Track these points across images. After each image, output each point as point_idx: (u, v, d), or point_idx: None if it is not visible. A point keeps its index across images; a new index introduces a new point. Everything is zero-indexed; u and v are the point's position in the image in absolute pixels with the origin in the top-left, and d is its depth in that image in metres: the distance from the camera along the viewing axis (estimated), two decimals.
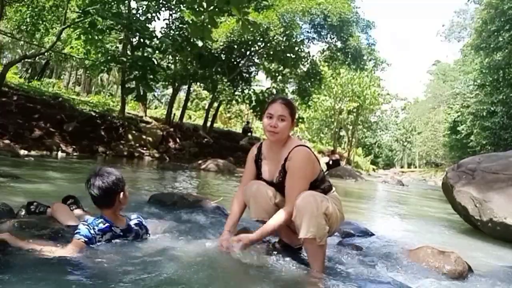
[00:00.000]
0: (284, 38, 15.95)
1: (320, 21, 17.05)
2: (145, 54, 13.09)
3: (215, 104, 20.25)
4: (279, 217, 2.10)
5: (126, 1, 13.06)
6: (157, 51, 13.98)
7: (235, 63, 18.27)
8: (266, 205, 2.23)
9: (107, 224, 2.06)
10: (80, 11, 11.64)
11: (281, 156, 2.22)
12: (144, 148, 13.65)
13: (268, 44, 16.59)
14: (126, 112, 15.27)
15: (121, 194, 2.12)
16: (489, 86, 23.28)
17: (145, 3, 13.56)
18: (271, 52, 17.03)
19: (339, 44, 18.30)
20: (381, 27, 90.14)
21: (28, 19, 13.90)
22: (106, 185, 2.06)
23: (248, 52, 17.86)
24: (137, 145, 13.61)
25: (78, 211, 2.79)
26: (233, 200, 2.43)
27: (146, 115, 17.77)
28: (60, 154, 10.00)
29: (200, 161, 11.49)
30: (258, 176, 2.36)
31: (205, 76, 16.44)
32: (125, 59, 12.33)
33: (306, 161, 2.16)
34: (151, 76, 12.54)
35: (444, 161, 38.98)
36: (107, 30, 13.00)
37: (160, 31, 14.53)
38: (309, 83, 18.87)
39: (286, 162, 2.17)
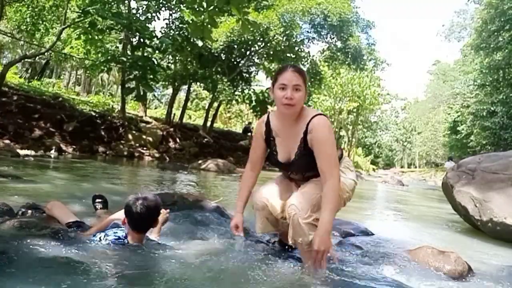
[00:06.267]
0: (284, 38, 15.97)
1: (320, 21, 17.05)
2: (145, 54, 13.09)
3: (215, 104, 20.25)
4: (330, 198, 1.92)
5: (126, 1, 13.07)
6: (157, 51, 13.97)
7: (235, 63, 18.28)
8: (273, 221, 2.21)
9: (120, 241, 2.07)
10: (80, 11, 11.63)
11: (298, 130, 2.06)
12: (144, 148, 13.65)
13: (268, 44, 16.60)
14: (126, 112, 15.27)
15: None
16: (489, 86, 23.26)
17: (145, 3, 13.56)
18: (271, 52, 17.04)
19: (339, 44, 18.30)
20: (381, 27, 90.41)
21: (28, 19, 13.90)
22: (149, 208, 2.06)
23: (248, 52, 17.86)
24: (137, 145, 13.61)
25: (100, 212, 2.84)
26: (241, 181, 2.35)
27: (146, 115, 17.78)
28: (54, 153, 9.94)
29: (200, 161, 11.48)
30: (271, 156, 2.19)
31: (205, 76, 16.45)
32: (125, 59, 12.32)
33: (330, 129, 2.07)
34: (151, 76, 12.54)
35: (444, 161, 38.95)
36: (107, 30, 13.00)
37: (160, 31, 14.54)
38: (309, 83, 18.87)
39: (307, 135, 2.02)
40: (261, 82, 26.60)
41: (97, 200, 2.96)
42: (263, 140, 2.20)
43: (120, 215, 2.17)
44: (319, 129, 2.00)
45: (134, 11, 13.55)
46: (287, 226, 2.27)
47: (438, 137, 41.84)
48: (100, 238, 2.06)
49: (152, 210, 2.07)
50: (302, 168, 2.11)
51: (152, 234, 2.34)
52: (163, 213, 2.29)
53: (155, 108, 30.95)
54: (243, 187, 2.29)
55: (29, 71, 27.33)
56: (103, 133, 13.02)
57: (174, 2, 13.57)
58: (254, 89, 19.93)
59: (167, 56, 16.30)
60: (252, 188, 2.30)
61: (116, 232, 2.09)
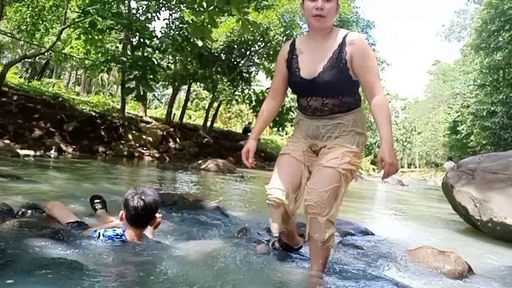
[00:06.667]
0: (284, 38, 15.96)
1: None
2: (145, 54, 13.08)
3: (215, 104, 20.25)
4: (385, 109, 1.89)
5: (126, 1, 13.06)
6: (157, 51, 13.97)
7: (235, 63, 18.28)
8: (286, 218, 2.13)
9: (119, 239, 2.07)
10: (80, 11, 11.63)
11: (330, 44, 1.94)
12: (144, 148, 13.65)
13: (268, 44, 16.59)
14: (126, 112, 15.27)
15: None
16: (489, 86, 23.27)
17: (145, 3, 13.56)
18: (271, 52, 17.02)
19: None
20: (381, 27, 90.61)
21: (28, 19, 13.89)
22: (148, 202, 2.05)
23: (248, 52, 17.86)
24: (137, 145, 13.61)
25: (100, 212, 2.85)
26: (261, 108, 2.27)
27: (146, 115, 17.78)
28: (54, 153, 9.93)
29: (200, 161, 11.48)
30: (292, 76, 2.05)
31: (205, 76, 16.45)
32: (125, 59, 12.31)
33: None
34: (151, 76, 12.53)
35: (444, 161, 38.97)
36: (107, 30, 12.99)
37: (160, 31, 14.54)
38: None
39: (344, 48, 1.91)
40: (261, 82, 26.58)
41: (96, 201, 2.96)
42: (285, 61, 2.08)
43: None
44: (362, 42, 1.93)
45: (134, 11, 13.54)
46: (292, 223, 2.23)
47: (438, 137, 41.87)
48: (99, 234, 2.06)
49: (150, 205, 2.06)
50: (326, 86, 1.96)
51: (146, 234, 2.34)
52: (157, 217, 2.27)
53: (155, 108, 30.93)
54: (261, 115, 2.21)
55: (29, 71, 27.32)
56: (103, 133, 13.01)
57: (174, 2, 13.56)
58: (254, 89, 19.91)
59: (167, 56, 16.29)
60: (271, 117, 2.23)
61: (115, 229, 2.09)
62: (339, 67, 1.92)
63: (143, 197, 2.04)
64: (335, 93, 1.98)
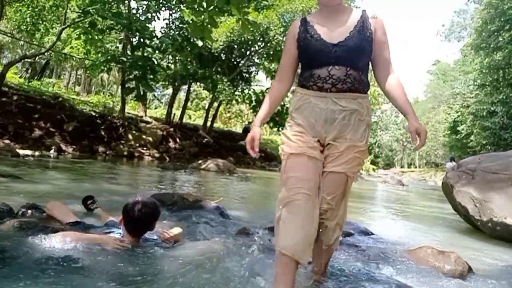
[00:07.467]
0: (284, 38, 15.93)
1: None
2: (145, 54, 13.09)
3: (215, 104, 20.26)
4: (402, 86, 1.90)
5: (126, 1, 13.07)
6: (157, 51, 13.98)
7: (235, 63, 18.28)
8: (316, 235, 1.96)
9: None
10: (80, 11, 11.64)
11: (346, 18, 1.90)
12: (144, 148, 13.65)
13: (268, 44, 16.60)
14: (126, 112, 15.28)
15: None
16: (489, 86, 23.24)
17: (145, 3, 13.57)
18: (271, 52, 17.04)
19: None
20: None
21: (28, 19, 13.90)
22: (147, 213, 2.07)
23: (248, 52, 17.87)
24: (137, 145, 13.61)
25: (98, 211, 2.86)
26: (267, 94, 2.09)
27: (146, 115, 17.78)
28: (54, 153, 9.93)
29: (200, 161, 11.48)
30: (309, 41, 1.88)
31: (205, 76, 16.46)
32: (125, 59, 12.32)
33: None
34: (151, 76, 12.54)
35: (444, 161, 38.96)
36: (107, 30, 13.01)
37: (160, 31, 14.55)
38: None
39: (367, 20, 1.90)
40: (261, 82, 26.58)
41: (89, 201, 2.98)
42: (295, 38, 1.93)
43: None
44: (382, 19, 1.94)
45: (134, 11, 13.55)
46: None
47: (438, 137, 41.85)
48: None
49: (149, 216, 2.08)
50: (352, 52, 1.84)
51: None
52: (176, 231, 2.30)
53: (155, 108, 30.95)
54: (266, 101, 2.02)
55: (29, 71, 27.31)
56: (103, 133, 13.02)
57: (174, 2, 13.56)
58: (254, 89, 19.93)
59: (167, 56, 16.30)
60: (277, 101, 2.04)
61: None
62: (365, 35, 1.86)
63: (141, 207, 2.06)
64: (358, 65, 1.87)
